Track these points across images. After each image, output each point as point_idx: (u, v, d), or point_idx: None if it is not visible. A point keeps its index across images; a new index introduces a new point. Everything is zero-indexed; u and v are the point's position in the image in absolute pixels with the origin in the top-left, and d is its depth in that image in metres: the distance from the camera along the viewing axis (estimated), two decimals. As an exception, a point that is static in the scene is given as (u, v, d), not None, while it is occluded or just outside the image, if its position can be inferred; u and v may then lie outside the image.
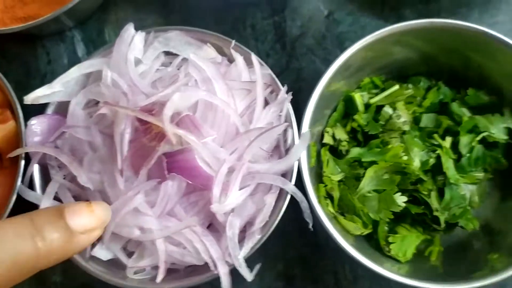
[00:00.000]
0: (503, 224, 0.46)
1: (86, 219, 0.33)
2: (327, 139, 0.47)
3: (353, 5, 0.54)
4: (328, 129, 0.47)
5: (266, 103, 0.44)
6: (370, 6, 0.54)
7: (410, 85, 0.49)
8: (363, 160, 0.45)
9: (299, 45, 0.54)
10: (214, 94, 0.41)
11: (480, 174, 0.46)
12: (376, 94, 0.48)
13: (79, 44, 0.55)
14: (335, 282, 0.49)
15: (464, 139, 0.45)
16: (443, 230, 0.47)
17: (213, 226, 0.43)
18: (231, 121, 0.41)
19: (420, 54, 0.48)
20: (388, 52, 0.46)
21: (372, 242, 0.45)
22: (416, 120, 0.46)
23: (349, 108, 0.48)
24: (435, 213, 0.44)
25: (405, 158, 0.44)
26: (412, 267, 0.45)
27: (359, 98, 0.47)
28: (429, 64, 0.49)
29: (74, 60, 0.55)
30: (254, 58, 0.43)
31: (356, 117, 0.47)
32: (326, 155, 0.46)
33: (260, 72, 0.42)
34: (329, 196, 0.45)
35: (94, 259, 0.43)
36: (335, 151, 0.47)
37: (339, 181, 0.45)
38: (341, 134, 0.47)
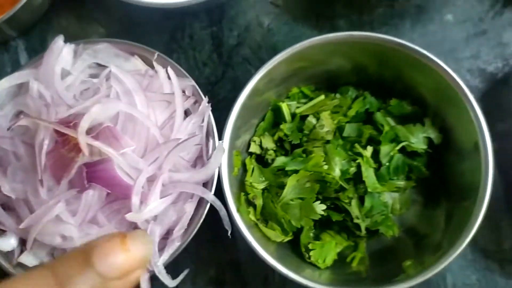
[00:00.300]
0: (427, 229, 0.48)
1: (120, 261, 0.27)
2: (253, 148, 0.48)
3: (288, 16, 0.55)
4: (255, 138, 0.49)
5: (189, 114, 0.45)
6: (305, 17, 0.55)
7: (337, 95, 0.50)
8: (287, 169, 0.46)
9: (236, 55, 0.55)
10: (134, 106, 0.42)
11: (401, 183, 0.47)
12: (304, 104, 0.49)
13: (22, 53, 0.57)
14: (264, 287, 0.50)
15: (385, 149, 0.46)
16: (366, 237, 0.48)
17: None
18: (151, 132, 0.42)
19: (350, 65, 0.49)
20: (315, 62, 0.48)
21: (296, 249, 0.47)
22: (340, 130, 0.48)
23: (278, 117, 0.49)
24: (356, 221, 0.46)
25: (325, 167, 0.45)
26: (334, 273, 0.46)
27: (286, 107, 0.48)
28: (359, 75, 0.50)
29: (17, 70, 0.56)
30: (171, 71, 0.44)
31: (282, 126, 0.48)
32: (251, 164, 0.47)
33: (177, 85, 0.43)
34: (252, 204, 0.46)
35: (21, 265, 0.44)
36: (263, 160, 0.49)
37: (264, 189, 0.47)
38: (269, 143, 0.48)
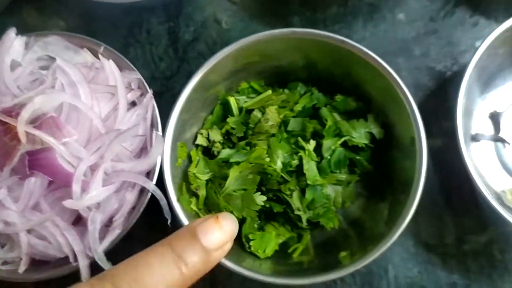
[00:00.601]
0: (371, 222, 0.49)
1: (218, 236, 0.34)
2: (200, 141, 0.49)
3: (244, 13, 0.56)
4: (202, 130, 0.50)
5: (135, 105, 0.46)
6: (260, 14, 0.56)
7: (286, 90, 0.51)
8: (231, 160, 0.47)
9: (191, 50, 0.56)
10: (78, 97, 0.43)
11: (342, 176, 0.48)
12: (253, 98, 0.50)
13: (-16, 45, 0.58)
14: (212, 276, 0.51)
15: (327, 143, 0.47)
16: (310, 229, 0.49)
17: (83, 221, 0.46)
18: (94, 123, 0.43)
19: (301, 61, 0.50)
20: (264, 57, 0.49)
21: (238, 239, 0.48)
22: (285, 124, 0.49)
23: (226, 111, 0.50)
24: (296, 212, 0.47)
25: (267, 159, 0.46)
26: (275, 263, 0.47)
27: (234, 102, 0.50)
28: (310, 71, 0.51)
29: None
30: (112, 64, 0.45)
31: (228, 120, 0.49)
32: (197, 156, 0.48)
33: (120, 77, 0.44)
34: (196, 195, 0.47)
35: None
36: (210, 152, 0.50)
37: (208, 180, 0.48)
38: (216, 136, 0.49)
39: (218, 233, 0.34)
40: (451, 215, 0.51)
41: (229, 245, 0.35)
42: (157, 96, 0.54)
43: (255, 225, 0.49)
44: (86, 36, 0.48)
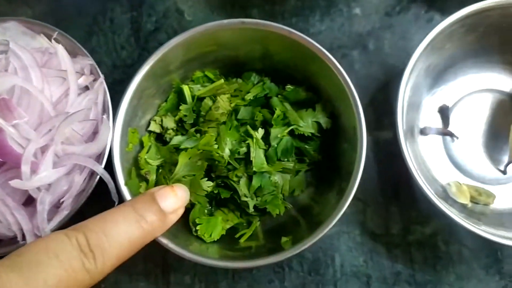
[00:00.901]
0: (320, 209, 0.50)
1: (173, 201, 0.40)
2: (153, 127, 0.51)
3: (206, 4, 0.58)
4: (156, 117, 0.51)
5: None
6: (221, 5, 0.58)
7: (239, 80, 0.52)
8: (181, 147, 0.48)
9: (152, 39, 0.57)
10: (30, 81, 0.45)
11: (290, 164, 0.50)
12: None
13: (-48, 31, 0.59)
14: (163, 261, 0.53)
15: (275, 131, 0.49)
16: (258, 215, 0.50)
17: (35, 202, 0.47)
18: (45, 106, 0.45)
19: (256, 52, 0.51)
20: (218, 47, 0.50)
21: (186, 224, 0.49)
22: (236, 112, 0.50)
23: (181, 99, 0.51)
24: (243, 199, 0.48)
25: (215, 146, 0.47)
26: (222, 247, 0.48)
27: (187, 90, 0.51)
28: (265, 62, 0.52)
29: None
30: (62, 49, 0.46)
31: (181, 107, 0.50)
32: (149, 142, 0.50)
33: (70, 62, 0.46)
34: (146, 180, 0.48)
35: None
36: (163, 139, 0.51)
37: (159, 166, 0.49)
38: (169, 123, 0.51)
39: (173, 198, 0.40)
40: (398, 206, 0.52)
41: (181, 210, 0.41)
42: (118, 83, 0.56)
43: (205, 211, 0.50)
44: (51, 23, 0.49)
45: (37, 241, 0.34)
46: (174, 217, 0.40)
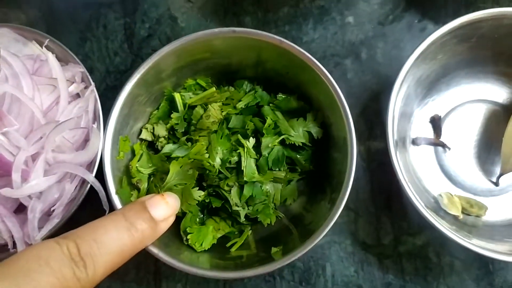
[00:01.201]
0: (313, 218, 0.49)
1: (163, 209, 0.40)
2: (145, 135, 0.50)
3: (199, 11, 0.58)
4: (147, 125, 0.51)
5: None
6: (214, 13, 0.57)
7: (231, 88, 0.52)
8: (172, 155, 0.48)
9: (145, 46, 0.57)
10: (20, 88, 0.45)
11: (281, 173, 0.49)
12: (199, 95, 0.51)
13: None
14: (155, 268, 0.53)
15: (266, 140, 0.49)
16: (250, 224, 0.50)
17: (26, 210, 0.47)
18: (35, 114, 0.44)
19: (248, 60, 0.51)
20: (210, 55, 0.50)
21: (178, 233, 0.49)
22: (228, 121, 0.50)
23: (173, 107, 0.51)
24: (234, 208, 0.48)
25: (206, 155, 0.47)
26: (213, 256, 0.48)
27: (179, 98, 0.51)
28: (258, 70, 0.52)
29: None
30: (53, 57, 0.46)
31: (172, 115, 0.50)
32: (140, 150, 0.49)
33: (60, 70, 0.45)
34: (137, 188, 0.48)
35: None
36: (155, 147, 0.51)
37: (150, 174, 0.49)
38: (161, 131, 0.51)
39: (164, 207, 0.40)
40: (389, 217, 0.52)
41: (172, 218, 0.41)
42: (111, 89, 0.56)
43: (197, 219, 0.50)
44: (44, 28, 0.49)
45: (28, 249, 0.34)
46: (165, 225, 0.40)
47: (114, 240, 0.36)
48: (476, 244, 0.44)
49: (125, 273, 0.51)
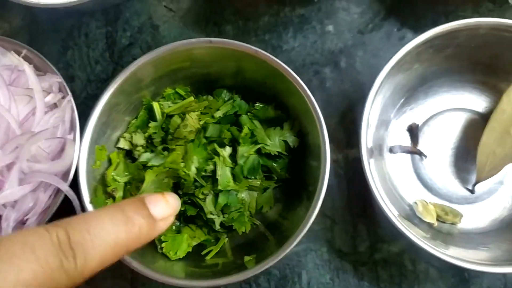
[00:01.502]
0: (289, 225, 0.50)
1: (163, 207, 0.37)
2: (122, 144, 0.51)
3: (180, 20, 0.58)
4: (125, 134, 0.51)
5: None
6: (195, 21, 0.58)
7: (210, 97, 0.53)
8: (149, 164, 0.49)
9: (126, 54, 0.58)
10: (-3, 98, 0.45)
11: (257, 182, 0.50)
12: (178, 104, 0.52)
13: None
14: (132, 275, 0.53)
15: (242, 149, 0.49)
16: (226, 232, 0.51)
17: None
18: (11, 125, 0.45)
19: (227, 69, 0.51)
20: (189, 64, 0.50)
21: (153, 241, 0.49)
22: (205, 130, 0.50)
23: (151, 116, 0.52)
24: (209, 216, 0.48)
25: (182, 164, 0.48)
26: (187, 264, 0.49)
27: (157, 107, 0.51)
28: (237, 79, 0.53)
29: None
30: (28, 68, 0.46)
31: (150, 125, 0.51)
32: (118, 158, 0.50)
33: (36, 80, 0.46)
34: (113, 197, 0.49)
35: None
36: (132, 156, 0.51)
37: (127, 183, 0.49)
38: (139, 140, 0.51)
39: (164, 205, 0.37)
40: (365, 224, 0.52)
41: (171, 219, 0.38)
42: (92, 98, 0.57)
43: (173, 227, 0.50)
44: (27, 37, 0.50)
45: (14, 233, 0.31)
46: (163, 225, 0.37)
47: (109, 232, 0.33)
48: (449, 254, 0.45)
49: (102, 281, 0.52)
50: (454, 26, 0.47)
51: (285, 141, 0.50)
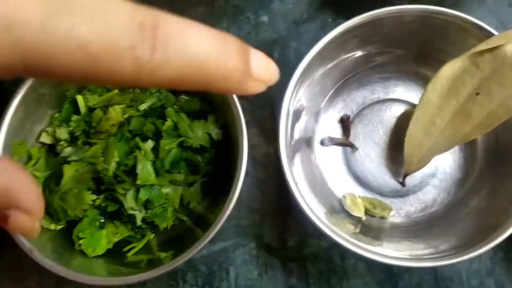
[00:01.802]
0: (214, 218, 0.48)
1: (263, 68, 0.27)
2: (44, 138, 0.50)
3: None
4: (48, 128, 0.50)
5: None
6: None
7: (137, 90, 0.52)
8: (69, 159, 0.48)
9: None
10: None
11: (181, 176, 0.49)
12: (104, 97, 0.51)
13: None
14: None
15: (164, 143, 0.48)
16: (150, 228, 0.50)
17: None
18: None
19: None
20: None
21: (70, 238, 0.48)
22: (129, 123, 0.49)
23: (76, 109, 0.51)
24: (130, 212, 0.47)
25: (101, 159, 0.47)
26: (108, 261, 0.48)
27: (81, 100, 0.50)
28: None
29: None
30: None
31: (72, 118, 0.49)
32: (39, 154, 0.49)
33: None
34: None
35: None
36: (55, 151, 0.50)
37: (47, 178, 0.48)
38: (62, 134, 0.50)
39: (265, 67, 0.27)
40: (295, 219, 0.51)
41: (262, 87, 0.27)
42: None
43: (97, 223, 0.49)
44: None
45: None
46: (253, 87, 0.26)
47: (202, 48, 0.24)
48: (376, 250, 0.44)
49: (25, 280, 0.51)
50: (375, 14, 0.45)
51: (209, 134, 0.49)
